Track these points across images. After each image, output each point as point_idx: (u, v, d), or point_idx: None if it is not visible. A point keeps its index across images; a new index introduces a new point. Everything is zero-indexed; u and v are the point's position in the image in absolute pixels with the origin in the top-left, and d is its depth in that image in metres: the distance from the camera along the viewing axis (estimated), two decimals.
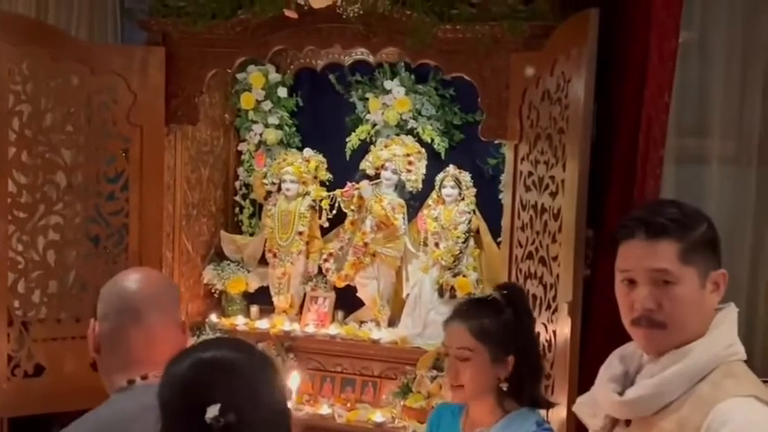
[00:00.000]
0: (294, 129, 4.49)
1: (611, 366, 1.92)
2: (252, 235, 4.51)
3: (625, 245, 1.81)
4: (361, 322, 4.22)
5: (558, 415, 3.00)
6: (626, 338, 1.97)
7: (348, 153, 4.31)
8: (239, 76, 4.37)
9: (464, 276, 3.97)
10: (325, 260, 4.27)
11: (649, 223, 1.78)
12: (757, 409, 1.67)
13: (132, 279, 2.06)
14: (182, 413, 1.43)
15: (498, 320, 2.39)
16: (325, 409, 3.92)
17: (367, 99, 4.25)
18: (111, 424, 1.88)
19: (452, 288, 3.97)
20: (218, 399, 1.38)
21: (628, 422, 1.84)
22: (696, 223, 1.79)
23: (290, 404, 1.58)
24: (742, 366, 1.78)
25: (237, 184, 4.57)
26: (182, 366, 1.48)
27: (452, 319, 2.44)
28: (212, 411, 1.37)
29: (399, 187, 4.13)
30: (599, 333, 3.14)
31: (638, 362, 1.88)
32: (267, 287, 4.39)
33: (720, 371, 1.73)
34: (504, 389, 2.38)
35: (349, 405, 3.98)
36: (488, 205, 4.04)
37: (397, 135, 4.18)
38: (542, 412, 2.55)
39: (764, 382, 2.08)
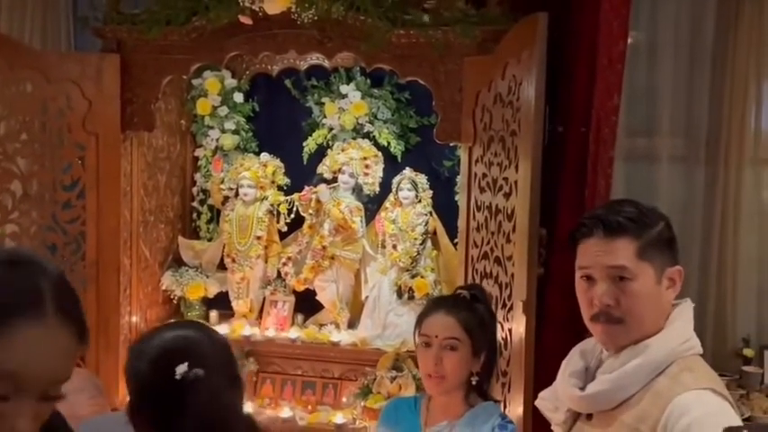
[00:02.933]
0: (251, 134, 4.50)
1: (571, 362, 1.97)
2: (210, 240, 4.51)
3: (584, 243, 1.87)
4: (321, 325, 4.25)
5: (514, 411, 3.06)
6: (580, 334, 2.02)
7: (305, 157, 4.34)
8: (195, 81, 4.38)
9: (422, 277, 4.01)
10: (284, 264, 4.29)
11: (607, 222, 1.83)
12: (714, 401, 1.73)
13: None
14: (154, 378, 1.64)
15: (476, 317, 2.48)
16: (286, 413, 3.94)
17: (323, 103, 4.29)
18: None
19: (411, 289, 4.01)
20: (186, 360, 1.62)
21: (589, 416, 1.89)
22: (653, 222, 1.85)
23: None
24: (698, 360, 1.84)
25: (195, 189, 4.57)
26: (150, 344, 1.71)
27: (437, 311, 2.49)
28: (182, 368, 1.59)
29: (357, 190, 4.17)
30: (553, 330, 3.21)
31: (597, 357, 1.93)
32: (226, 292, 4.39)
33: (678, 365, 1.79)
34: (474, 383, 2.45)
35: (310, 407, 4.01)
36: (445, 207, 4.09)
37: (354, 139, 4.21)
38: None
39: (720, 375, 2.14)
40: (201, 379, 1.60)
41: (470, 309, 2.49)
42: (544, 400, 2.07)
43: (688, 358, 1.82)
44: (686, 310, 1.90)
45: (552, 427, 2.03)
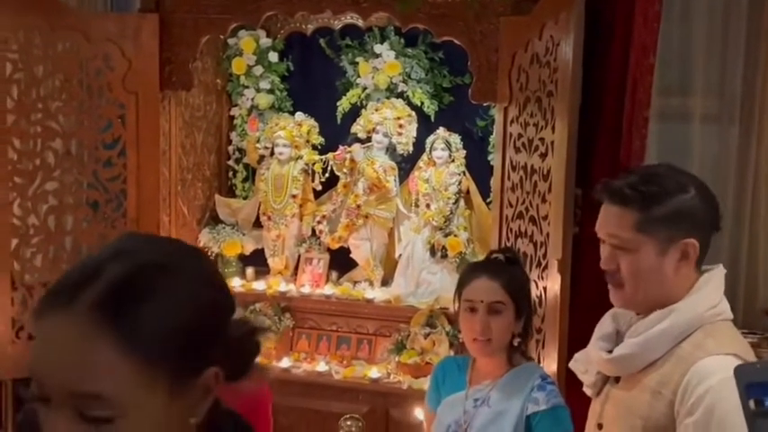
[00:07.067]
0: (285, 93, 4.54)
1: (603, 325, 2.01)
2: (245, 198, 4.58)
3: (602, 207, 1.92)
4: (355, 282, 4.32)
5: (549, 368, 3.12)
6: None
7: (339, 117, 4.37)
8: (230, 41, 4.41)
9: (455, 236, 4.06)
10: (319, 222, 4.35)
11: (611, 189, 1.86)
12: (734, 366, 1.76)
13: None
14: None
15: (517, 280, 2.54)
16: (322, 367, 4.03)
17: (357, 63, 4.31)
18: None
19: (444, 248, 4.06)
20: None
21: (617, 379, 1.94)
22: (667, 197, 1.83)
23: None
24: (726, 326, 1.86)
25: (231, 148, 4.64)
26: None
27: (480, 276, 2.51)
28: None
29: (390, 150, 4.21)
30: (588, 289, 3.25)
31: (629, 321, 1.97)
32: (262, 249, 4.47)
33: (703, 330, 1.81)
34: (516, 344, 2.51)
35: (345, 362, 4.09)
36: (478, 166, 4.13)
37: (388, 98, 4.24)
38: None
39: (749, 333, 2.14)
40: None
41: (509, 272, 2.53)
42: (577, 362, 2.12)
43: (716, 324, 1.83)
44: (716, 276, 1.89)
45: (584, 389, 2.09)
